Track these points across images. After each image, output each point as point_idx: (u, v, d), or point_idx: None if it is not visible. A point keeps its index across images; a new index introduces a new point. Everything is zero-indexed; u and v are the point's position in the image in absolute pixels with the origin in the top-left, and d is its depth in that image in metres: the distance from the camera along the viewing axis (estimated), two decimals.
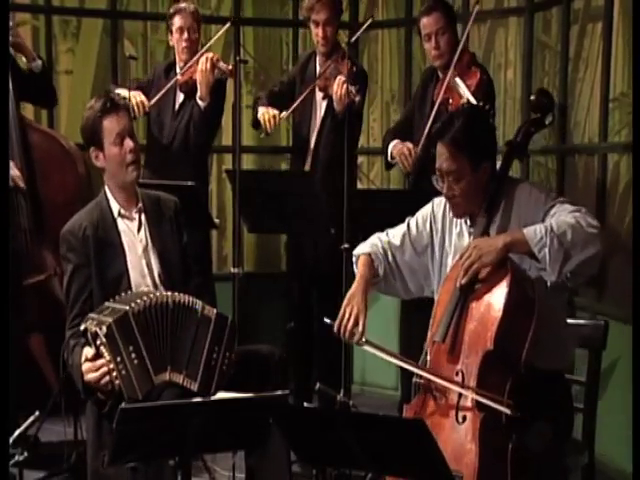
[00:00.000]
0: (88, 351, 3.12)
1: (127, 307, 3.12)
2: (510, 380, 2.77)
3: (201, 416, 2.64)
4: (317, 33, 4.65)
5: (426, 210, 3.18)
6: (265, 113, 4.60)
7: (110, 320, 3.07)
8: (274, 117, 4.59)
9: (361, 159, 5.79)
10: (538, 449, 2.78)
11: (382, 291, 3.26)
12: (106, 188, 3.45)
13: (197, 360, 3.17)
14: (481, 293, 2.86)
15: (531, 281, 2.85)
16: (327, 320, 3.05)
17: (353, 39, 4.76)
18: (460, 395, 2.80)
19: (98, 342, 3.08)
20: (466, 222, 3.06)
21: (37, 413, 3.40)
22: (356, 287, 3.08)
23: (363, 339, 2.99)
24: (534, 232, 2.78)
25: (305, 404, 4.41)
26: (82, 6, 5.48)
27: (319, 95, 4.68)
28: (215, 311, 3.23)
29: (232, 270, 4.30)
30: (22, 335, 4.32)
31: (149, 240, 3.43)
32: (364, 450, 2.51)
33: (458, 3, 5.27)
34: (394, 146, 4.43)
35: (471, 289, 2.87)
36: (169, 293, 3.22)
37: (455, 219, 3.08)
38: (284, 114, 4.62)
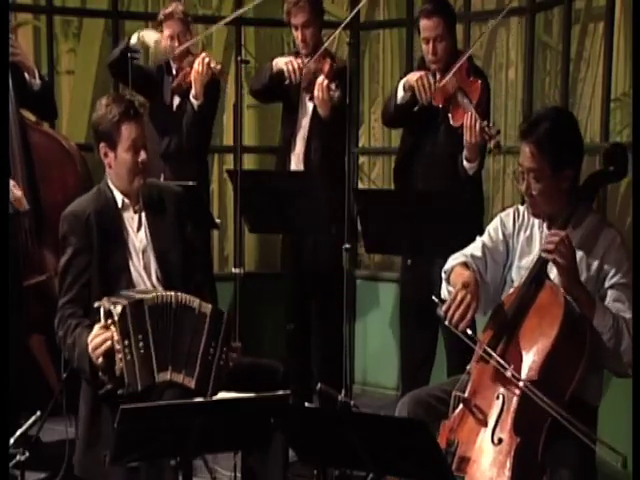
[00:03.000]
0: (96, 328, 3.15)
1: (143, 296, 3.18)
2: (551, 417, 2.72)
3: (202, 416, 2.64)
4: (297, 36, 4.68)
5: (495, 222, 3.21)
6: (292, 61, 4.58)
7: (126, 302, 3.13)
8: (299, 67, 4.55)
9: (362, 159, 5.80)
10: (569, 461, 2.78)
11: None
12: (109, 180, 3.45)
13: (194, 357, 3.18)
14: (534, 322, 2.86)
15: (584, 319, 2.85)
16: (435, 298, 2.98)
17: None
18: (499, 416, 2.78)
19: (109, 321, 3.12)
20: (540, 227, 3.07)
21: (38, 413, 3.40)
22: (470, 276, 3.00)
23: (469, 331, 2.89)
24: (604, 313, 2.84)
25: (306, 404, 4.40)
26: (83, 6, 5.49)
27: (306, 96, 4.68)
28: (210, 306, 3.23)
29: (233, 270, 4.30)
30: (23, 335, 4.32)
31: (149, 241, 3.43)
32: (365, 450, 2.51)
33: (459, 3, 5.27)
34: (411, 75, 4.31)
35: (523, 315, 2.87)
36: (172, 293, 3.24)
37: (525, 225, 3.11)
38: (307, 60, 4.56)
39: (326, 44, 4.61)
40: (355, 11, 4.72)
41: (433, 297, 2.99)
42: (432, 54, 4.29)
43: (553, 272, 2.96)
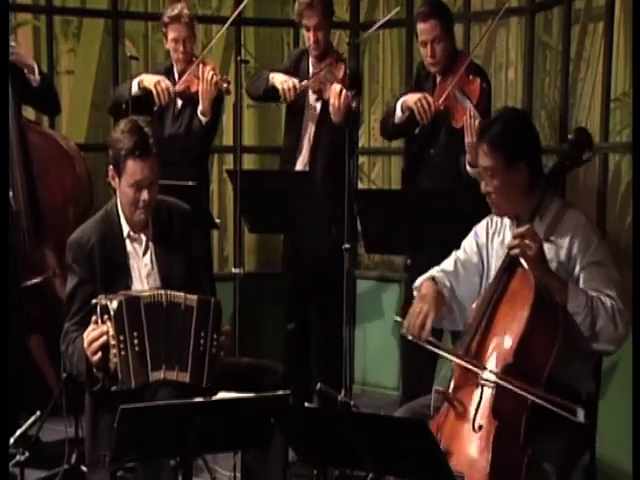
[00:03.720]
0: (92, 324, 3.14)
1: (139, 294, 3.20)
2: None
3: (202, 416, 2.64)
4: (309, 37, 4.67)
5: (470, 235, 3.27)
6: (287, 81, 4.58)
7: (122, 298, 3.13)
8: (294, 87, 4.56)
9: (362, 159, 5.79)
10: (553, 455, 2.81)
11: (446, 325, 3.25)
12: (118, 203, 3.40)
13: (186, 351, 3.19)
14: (507, 308, 2.91)
15: (556, 299, 2.89)
16: (398, 318, 3.08)
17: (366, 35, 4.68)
18: (479, 404, 2.81)
19: (105, 317, 3.11)
20: (511, 228, 3.11)
21: (38, 413, 3.40)
22: (427, 288, 3.11)
23: (430, 338, 2.99)
24: (576, 294, 2.88)
25: (306, 404, 4.40)
26: (83, 6, 5.48)
27: (312, 97, 4.68)
28: (196, 297, 3.23)
29: (233, 270, 4.30)
30: (22, 335, 4.32)
31: (154, 264, 3.41)
32: (365, 450, 2.51)
33: (459, 3, 5.27)
34: (410, 97, 4.32)
35: (498, 304, 2.92)
36: (162, 291, 3.24)
37: (498, 230, 3.16)
38: (305, 82, 4.59)
39: (344, 54, 4.62)
40: (379, 22, 4.75)
41: (396, 317, 3.09)
42: (430, 56, 4.30)
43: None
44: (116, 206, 3.41)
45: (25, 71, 4.36)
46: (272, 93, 4.65)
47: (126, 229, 3.40)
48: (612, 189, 4.22)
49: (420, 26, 4.31)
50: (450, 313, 3.18)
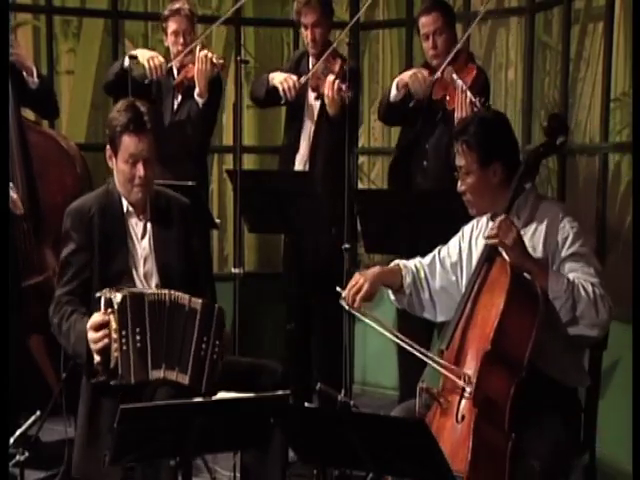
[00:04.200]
0: (96, 315, 3.15)
1: (143, 291, 3.21)
2: (514, 384, 2.80)
3: (202, 416, 2.64)
4: (307, 35, 4.70)
5: (456, 235, 3.29)
6: (288, 79, 4.59)
7: (127, 293, 3.14)
8: (294, 85, 4.56)
9: (362, 159, 5.79)
10: (540, 451, 2.81)
11: (414, 309, 3.28)
12: (117, 182, 3.42)
13: (187, 353, 3.19)
14: (487, 297, 2.92)
15: (533, 284, 2.90)
16: (338, 288, 3.17)
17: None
18: (461, 396, 2.82)
19: (109, 310, 3.12)
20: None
21: (38, 413, 3.40)
22: (373, 268, 3.22)
23: (361, 309, 3.12)
24: (557, 279, 2.88)
25: (306, 404, 4.40)
26: (83, 6, 5.49)
27: (312, 95, 4.69)
28: (200, 301, 3.23)
29: (233, 270, 4.30)
30: (22, 335, 4.32)
31: (152, 249, 3.42)
32: (365, 450, 2.51)
33: (458, 3, 5.27)
34: (405, 73, 4.37)
35: (478, 295, 2.94)
36: (166, 291, 3.24)
37: (483, 231, 3.16)
38: (303, 78, 4.59)
39: (334, 45, 4.63)
40: (360, 12, 4.75)
41: (337, 288, 3.17)
42: (432, 48, 4.34)
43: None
44: (115, 185, 3.42)
45: (24, 73, 4.36)
46: (274, 94, 4.65)
47: (125, 204, 3.41)
48: (612, 189, 4.22)
49: (422, 19, 4.37)
50: (419, 300, 3.23)
